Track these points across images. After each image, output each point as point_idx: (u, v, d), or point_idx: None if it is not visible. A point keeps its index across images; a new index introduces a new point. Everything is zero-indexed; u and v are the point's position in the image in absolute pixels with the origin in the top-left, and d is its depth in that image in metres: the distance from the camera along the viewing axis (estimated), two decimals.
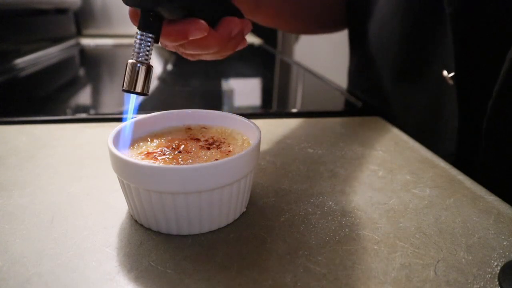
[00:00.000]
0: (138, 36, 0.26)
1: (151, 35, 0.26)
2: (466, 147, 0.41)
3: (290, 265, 0.24)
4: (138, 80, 0.26)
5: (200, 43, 0.30)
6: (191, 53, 0.33)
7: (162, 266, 0.24)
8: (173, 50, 0.32)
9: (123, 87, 0.27)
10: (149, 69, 0.27)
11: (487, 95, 0.37)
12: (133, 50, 0.27)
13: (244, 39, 0.35)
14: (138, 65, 0.26)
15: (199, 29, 0.28)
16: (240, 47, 0.36)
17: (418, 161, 0.39)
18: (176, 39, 0.28)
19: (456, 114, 0.40)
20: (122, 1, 0.26)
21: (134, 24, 0.28)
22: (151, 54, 0.27)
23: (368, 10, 0.56)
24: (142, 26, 0.26)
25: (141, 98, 0.28)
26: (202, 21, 0.28)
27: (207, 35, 0.29)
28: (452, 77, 0.40)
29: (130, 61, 0.26)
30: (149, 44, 0.26)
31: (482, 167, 0.39)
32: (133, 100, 0.28)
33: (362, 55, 0.60)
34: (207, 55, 0.34)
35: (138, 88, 0.26)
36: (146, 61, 0.26)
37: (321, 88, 0.75)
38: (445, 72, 0.41)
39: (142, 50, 0.26)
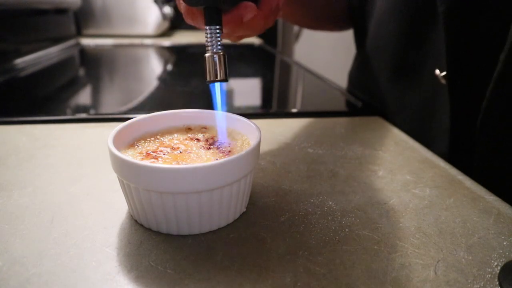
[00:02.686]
0: (208, 31, 0.29)
1: (218, 27, 0.29)
2: (458, 147, 0.41)
3: (290, 265, 0.24)
4: (218, 69, 0.29)
5: (250, 23, 0.33)
6: (240, 35, 0.36)
7: (162, 266, 0.24)
8: (225, 37, 0.35)
9: (206, 79, 0.30)
10: (224, 57, 0.30)
11: (479, 94, 0.37)
12: (206, 44, 0.29)
13: (279, 10, 0.38)
14: (214, 56, 0.29)
15: (250, 11, 0.31)
16: (277, 18, 0.38)
17: (418, 161, 0.39)
18: (234, 26, 0.31)
19: (448, 114, 0.40)
20: (184, 2, 0.29)
21: (188, 22, 0.31)
22: (222, 43, 0.30)
23: (368, 10, 0.56)
24: (209, 22, 0.29)
25: (223, 84, 0.31)
26: (250, 3, 0.31)
27: (255, 15, 0.32)
28: (444, 76, 0.40)
29: (207, 55, 0.29)
30: (218, 35, 0.29)
31: (476, 166, 0.39)
32: (218, 89, 0.31)
33: (363, 55, 0.60)
34: (252, 33, 0.36)
35: (220, 76, 0.29)
36: (219, 51, 0.29)
37: (321, 88, 0.75)
38: (437, 71, 0.41)
39: (214, 42, 0.29)
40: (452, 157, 0.41)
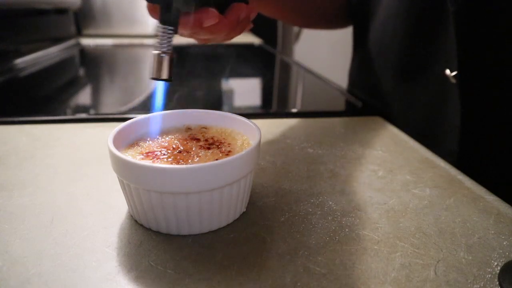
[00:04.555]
0: (160, 30, 0.29)
1: (171, 28, 0.29)
2: (468, 146, 0.41)
3: (290, 265, 0.24)
4: (163, 69, 0.29)
5: (212, 29, 0.33)
6: (203, 38, 0.36)
7: (162, 266, 0.24)
8: (188, 37, 0.35)
9: (151, 75, 0.30)
10: (171, 58, 0.30)
11: (489, 93, 0.37)
12: (157, 42, 0.30)
13: (250, 23, 0.38)
14: (162, 55, 0.29)
15: (211, 17, 0.31)
16: (246, 30, 0.38)
17: (418, 161, 0.39)
18: (192, 28, 0.31)
19: (458, 113, 0.40)
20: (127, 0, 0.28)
21: (152, 16, 0.31)
22: (172, 44, 0.30)
23: (371, 9, 0.56)
24: (163, 21, 0.29)
25: (166, 84, 0.31)
26: (213, 10, 0.31)
27: (218, 21, 0.32)
28: (454, 75, 0.40)
29: (155, 52, 0.29)
30: (170, 36, 0.29)
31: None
32: (161, 86, 0.32)
33: (364, 54, 0.60)
34: (217, 39, 0.36)
35: (164, 76, 0.30)
36: (168, 51, 0.29)
37: (321, 88, 0.75)
38: (447, 71, 0.41)
39: (164, 42, 0.29)
40: (461, 156, 0.41)
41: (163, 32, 0.29)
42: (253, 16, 0.36)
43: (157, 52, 0.29)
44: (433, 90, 0.45)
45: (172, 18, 0.29)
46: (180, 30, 0.31)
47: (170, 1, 0.29)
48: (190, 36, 0.35)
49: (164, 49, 0.29)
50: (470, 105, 0.40)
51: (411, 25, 0.48)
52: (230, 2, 0.34)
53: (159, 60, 0.29)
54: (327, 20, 0.66)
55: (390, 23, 0.52)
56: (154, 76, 0.30)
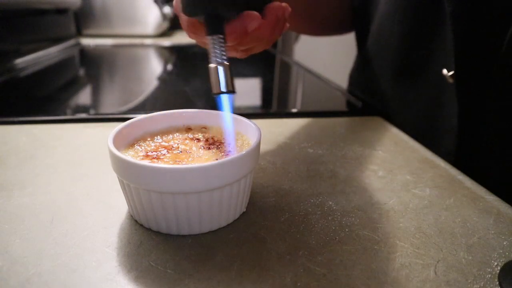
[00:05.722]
0: (211, 41, 0.28)
1: (221, 36, 0.28)
2: (465, 146, 0.41)
3: (290, 265, 0.24)
4: (224, 81, 0.28)
5: (256, 34, 0.32)
6: (246, 48, 0.35)
7: (162, 266, 0.24)
8: (232, 51, 0.34)
9: (212, 91, 0.28)
10: (228, 68, 0.28)
11: (486, 93, 0.37)
12: (210, 55, 0.28)
13: (286, 23, 0.37)
14: (219, 67, 0.28)
15: (254, 20, 0.30)
16: (284, 30, 0.37)
17: (418, 161, 0.39)
18: (237, 36, 0.30)
19: (455, 113, 0.40)
20: (182, 12, 0.28)
21: (191, 37, 0.30)
22: (226, 54, 0.28)
23: (371, 10, 0.56)
24: (211, 31, 0.28)
25: (231, 96, 0.29)
26: (254, 12, 0.30)
27: (260, 25, 0.31)
28: (452, 75, 0.40)
29: (211, 66, 0.28)
30: (222, 45, 0.28)
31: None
32: (226, 100, 0.30)
33: (364, 54, 0.60)
34: (260, 45, 0.36)
35: (223, 88, 0.28)
36: (224, 61, 0.28)
37: (321, 88, 0.75)
38: (444, 71, 0.41)
39: (217, 52, 0.28)
40: (459, 155, 0.41)
41: (213, 43, 0.28)
42: (287, 14, 0.36)
43: (212, 65, 0.28)
44: (431, 90, 0.46)
45: (219, 27, 0.28)
46: (228, 40, 0.30)
47: (214, 8, 0.27)
48: (235, 48, 0.34)
49: (219, 60, 0.28)
50: (467, 105, 0.40)
51: (407, 24, 0.48)
52: (264, 4, 0.33)
53: (215, 72, 0.28)
54: (335, 28, 0.67)
55: (386, 23, 0.52)
56: (215, 92, 0.28)
